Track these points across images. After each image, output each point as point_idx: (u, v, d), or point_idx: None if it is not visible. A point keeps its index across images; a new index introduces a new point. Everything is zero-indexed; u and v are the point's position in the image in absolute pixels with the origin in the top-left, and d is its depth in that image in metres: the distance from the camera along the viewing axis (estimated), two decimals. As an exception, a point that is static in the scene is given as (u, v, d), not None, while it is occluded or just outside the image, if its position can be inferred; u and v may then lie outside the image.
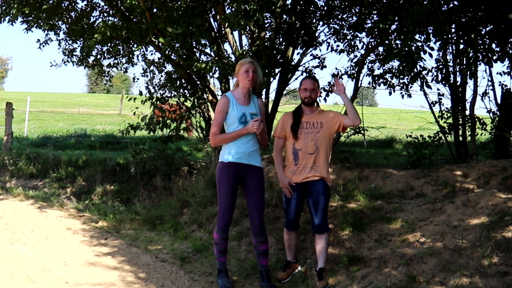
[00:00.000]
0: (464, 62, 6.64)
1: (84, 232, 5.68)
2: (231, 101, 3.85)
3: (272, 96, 7.50)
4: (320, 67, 7.75)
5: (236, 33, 7.32)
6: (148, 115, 7.20)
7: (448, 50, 6.83)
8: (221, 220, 3.91)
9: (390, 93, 7.35)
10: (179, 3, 6.59)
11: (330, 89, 7.40)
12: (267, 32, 7.24)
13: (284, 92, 7.65)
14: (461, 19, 6.00)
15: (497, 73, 10.96)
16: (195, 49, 7.17)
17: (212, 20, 7.51)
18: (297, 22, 7.10)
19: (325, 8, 7.28)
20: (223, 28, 7.28)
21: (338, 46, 7.78)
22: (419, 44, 6.03)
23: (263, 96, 7.36)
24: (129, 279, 4.16)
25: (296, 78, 7.51)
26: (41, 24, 8.16)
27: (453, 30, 6.25)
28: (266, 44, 6.60)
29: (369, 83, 7.50)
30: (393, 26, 6.36)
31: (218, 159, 3.97)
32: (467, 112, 6.93)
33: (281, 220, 4.91)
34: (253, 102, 3.92)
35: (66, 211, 6.77)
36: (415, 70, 6.34)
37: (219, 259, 4.04)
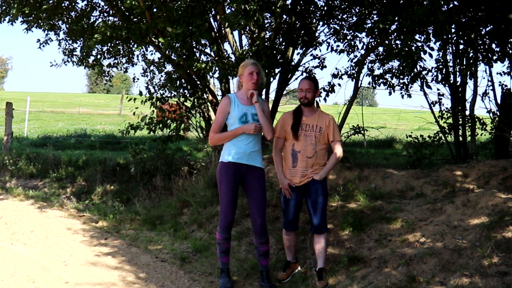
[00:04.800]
0: (464, 62, 6.63)
1: (84, 232, 5.68)
2: (233, 101, 3.86)
3: (272, 96, 7.51)
4: (320, 67, 7.75)
5: (236, 33, 7.32)
6: (148, 115, 7.21)
7: (448, 50, 6.84)
8: (223, 220, 3.91)
9: (390, 93, 7.35)
10: (179, 3, 6.58)
11: (331, 89, 7.40)
12: (267, 32, 7.24)
13: (284, 92, 7.65)
14: (461, 19, 6.00)
15: (497, 73, 10.96)
16: (195, 49, 7.17)
17: (212, 20, 7.51)
18: (297, 22, 7.10)
19: (325, 8, 7.27)
20: (223, 28, 7.27)
21: (338, 46, 7.78)
22: (419, 44, 6.02)
23: (263, 96, 7.36)
24: (129, 279, 4.16)
25: (296, 78, 7.52)
26: (41, 24, 8.16)
27: (453, 30, 6.25)
28: (266, 44, 6.60)
29: (369, 83, 7.50)
30: (393, 26, 6.36)
31: (219, 159, 3.97)
32: (467, 112, 6.93)
33: (281, 220, 4.91)
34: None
35: (66, 211, 6.77)
36: (415, 70, 6.34)
37: (222, 259, 4.04)
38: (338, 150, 3.93)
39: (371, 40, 7.17)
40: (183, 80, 7.29)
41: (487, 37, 6.25)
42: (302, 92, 3.94)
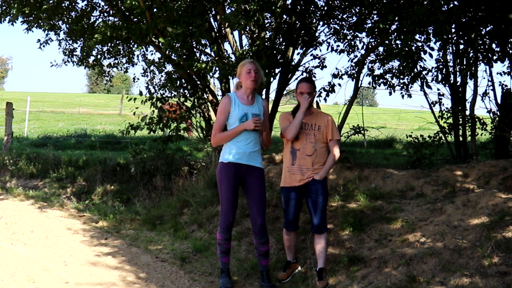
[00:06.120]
0: (464, 62, 6.64)
1: (84, 232, 5.68)
2: (233, 101, 3.85)
3: (272, 96, 7.51)
4: (320, 67, 7.75)
5: (236, 33, 7.32)
6: (148, 115, 7.21)
7: (448, 50, 6.84)
8: (223, 221, 3.90)
9: (390, 93, 7.36)
10: (179, 3, 6.58)
11: (331, 89, 7.41)
12: (267, 32, 7.24)
13: (284, 92, 7.65)
14: (461, 19, 6.00)
15: (497, 73, 10.98)
16: (195, 49, 7.17)
17: (212, 20, 7.51)
18: (297, 22, 7.10)
19: (325, 8, 7.28)
20: (223, 28, 7.28)
21: (338, 46, 7.80)
22: (419, 44, 6.04)
23: (263, 96, 7.36)
24: (130, 279, 4.16)
25: (296, 78, 7.52)
26: (41, 24, 8.16)
27: (453, 30, 6.25)
28: (266, 44, 6.60)
29: (369, 83, 7.51)
30: (393, 26, 6.37)
31: (219, 159, 3.97)
32: (467, 112, 6.94)
33: (281, 220, 4.91)
34: (257, 102, 3.92)
35: (66, 211, 6.77)
36: (415, 70, 6.34)
37: (222, 259, 4.04)
38: (336, 151, 3.95)
39: (371, 40, 7.18)
40: (183, 80, 7.29)
41: (487, 37, 6.25)
42: (303, 95, 3.94)
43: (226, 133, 3.87)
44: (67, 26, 8.51)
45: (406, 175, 5.34)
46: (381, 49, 7.10)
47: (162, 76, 8.02)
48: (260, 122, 3.77)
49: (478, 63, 6.48)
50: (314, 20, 7.44)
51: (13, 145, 10.60)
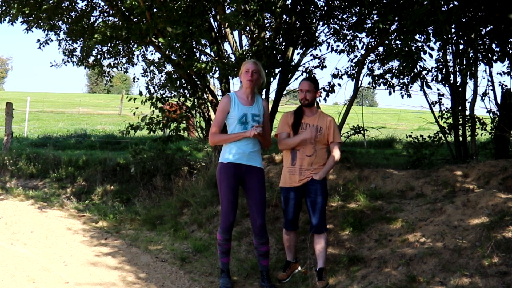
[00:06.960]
0: (464, 62, 6.64)
1: (84, 232, 5.68)
2: (233, 101, 3.86)
3: (272, 96, 7.51)
4: (320, 67, 7.76)
5: (236, 33, 7.32)
6: (148, 115, 7.21)
7: (448, 50, 6.84)
8: (224, 221, 3.90)
9: (390, 93, 7.36)
10: (179, 3, 6.58)
11: (331, 89, 7.41)
12: (267, 32, 7.24)
13: (284, 92, 7.65)
14: (461, 19, 6.00)
15: (497, 73, 10.98)
16: (195, 49, 7.17)
17: (212, 20, 7.51)
18: (297, 22, 7.10)
19: (325, 8, 7.29)
20: (223, 28, 7.28)
21: (338, 46, 7.80)
22: (419, 44, 6.04)
23: (263, 96, 7.36)
24: (129, 279, 4.16)
25: (296, 78, 7.53)
26: (41, 24, 8.15)
27: (453, 30, 6.25)
28: (266, 44, 6.60)
29: (369, 83, 7.51)
30: (393, 26, 6.37)
31: (219, 159, 3.98)
32: (467, 112, 6.94)
33: (281, 220, 4.91)
34: (257, 103, 3.93)
35: (66, 211, 6.77)
36: (415, 70, 6.34)
37: (222, 260, 4.04)
38: (336, 153, 3.95)
39: (371, 40, 7.18)
40: (183, 80, 7.29)
41: (487, 37, 6.25)
42: (302, 93, 3.96)
43: (225, 136, 3.87)
44: (67, 26, 8.51)
45: (406, 175, 5.34)
46: (381, 49, 7.10)
47: (162, 76, 8.02)
48: (262, 129, 3.78)
49: (478, 63, 6.48)
50: (314, 20, 7.44)
51: (13, 145, 10.60)
